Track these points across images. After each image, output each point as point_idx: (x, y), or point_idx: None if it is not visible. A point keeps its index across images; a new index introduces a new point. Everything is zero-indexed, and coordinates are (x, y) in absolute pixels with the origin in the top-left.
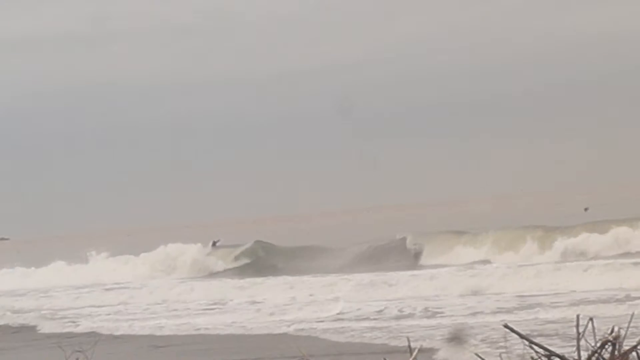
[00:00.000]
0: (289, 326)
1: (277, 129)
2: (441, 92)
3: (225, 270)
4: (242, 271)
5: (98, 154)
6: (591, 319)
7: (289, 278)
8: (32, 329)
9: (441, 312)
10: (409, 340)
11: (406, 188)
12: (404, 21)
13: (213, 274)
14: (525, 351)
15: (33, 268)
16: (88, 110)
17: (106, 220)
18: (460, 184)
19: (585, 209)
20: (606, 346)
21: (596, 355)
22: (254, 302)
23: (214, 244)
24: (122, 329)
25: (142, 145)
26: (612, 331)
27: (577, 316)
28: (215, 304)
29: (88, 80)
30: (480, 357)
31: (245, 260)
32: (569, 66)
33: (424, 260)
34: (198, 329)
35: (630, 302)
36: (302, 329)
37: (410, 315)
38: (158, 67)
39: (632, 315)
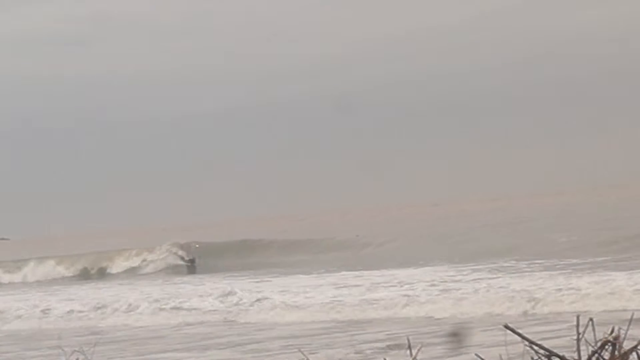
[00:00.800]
0: None
1: (276, 128)
2: (441, 92)
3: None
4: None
5: (98, 154)
6: (591, 319)
7: None
8: None
9: None
10: (408, 341)
11: (406, 188)
12: (404, 20)
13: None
14: (525, 351)
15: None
16: (88, 110)
17: (106, 220)
18: (460, 184)
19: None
20: (606, 346)
21: (596, 355)
22: None
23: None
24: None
25: (142, 145)
26: (612, 331)
27: (577, 316)
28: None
29: (87, 79)
30: (480, 358)
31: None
32: (568, 66)
33: None
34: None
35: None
36: None
37: None
38: (157, 66)
39: (632, 315)
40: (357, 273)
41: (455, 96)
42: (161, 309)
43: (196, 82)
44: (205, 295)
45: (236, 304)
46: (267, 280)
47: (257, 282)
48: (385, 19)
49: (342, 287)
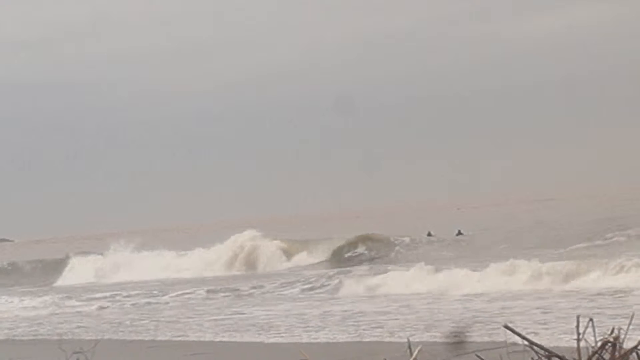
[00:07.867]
0: None
1: (276, 128)
2: (441, 91)
3: None
4: None
5: (99, 155)
6: (591, 319)
7: None
8: None
9: None
10: (409, 341)
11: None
12: (403, 19)
13: None
14: (525, 352)
15: None
16: (88, 110)
17: (107, 221)
18: (460, 184)
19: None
20: (606, 346)
21: (596, 355)
22: None
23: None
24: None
25: (142, 146)
26: (612, 331)
27: (577, 317)
28: None
29: (87, 79)
30: (480, 358)
31: None
32: (568, 65)
33: None
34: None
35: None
36: None
37: None
38: (157, 66)
39: (632, 315)
40: None
41: (455, 96)
42: None
43: (197, 82)
44: None
45: None
46: None
47: None
48: (386, 19)
49: None
